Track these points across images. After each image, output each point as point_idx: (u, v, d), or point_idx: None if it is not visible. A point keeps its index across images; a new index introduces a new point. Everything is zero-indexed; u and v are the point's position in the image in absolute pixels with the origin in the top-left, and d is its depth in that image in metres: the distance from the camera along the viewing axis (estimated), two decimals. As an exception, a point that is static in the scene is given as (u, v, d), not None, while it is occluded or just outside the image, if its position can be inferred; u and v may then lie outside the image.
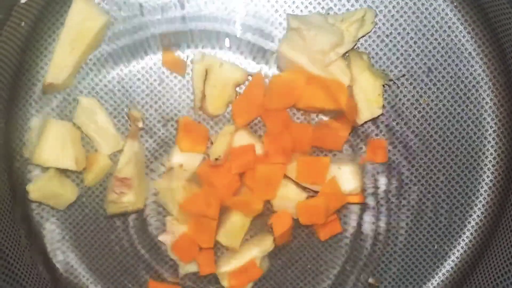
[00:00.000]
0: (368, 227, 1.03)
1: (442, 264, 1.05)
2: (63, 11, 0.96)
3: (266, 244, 1.01)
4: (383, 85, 0.96)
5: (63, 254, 1.04)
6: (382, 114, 0.98)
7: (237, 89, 0.98)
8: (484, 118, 1.00)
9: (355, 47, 0.97)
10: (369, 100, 0.95)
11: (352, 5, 0.96)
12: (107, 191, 1.00)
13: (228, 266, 1.01)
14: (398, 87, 0.99)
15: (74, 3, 0.93)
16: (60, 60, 0.95)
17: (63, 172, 0.99)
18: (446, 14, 0.97)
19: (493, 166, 1.02)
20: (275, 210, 1.01)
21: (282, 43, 0.95)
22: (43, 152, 0.94)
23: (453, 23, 0.97)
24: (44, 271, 1.03)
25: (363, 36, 0.97)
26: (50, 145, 0.94)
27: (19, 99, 0.98)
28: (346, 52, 0.95)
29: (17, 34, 0.96)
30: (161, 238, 1.02)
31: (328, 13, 0.95)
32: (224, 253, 1.04)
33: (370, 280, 1.06)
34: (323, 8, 0.96)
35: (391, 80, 0.98)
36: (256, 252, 1.00)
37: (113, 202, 0.96)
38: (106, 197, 0.99)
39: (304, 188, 1.00)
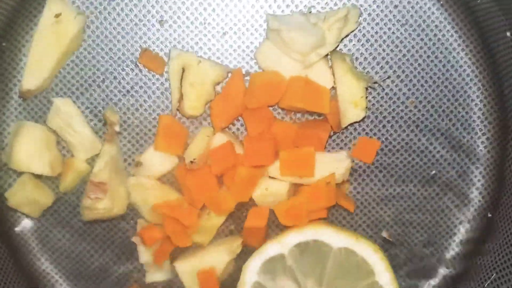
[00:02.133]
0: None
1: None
2: (37, 11, 0.93)
3: (233, 246, 0.97)
4: (367, 88, 0.93)
5: (38, 261, 1.01)
6: (366, 117, 0.95)
7: (217, 88, 0.95)
8: (474, 120, 0.97)
9: (338, 48, 0.94)
10: (352, 103, 0.91)
11: (335, 4, 0.93)
12: (83, 196, 0.97)
13: (189, 263, 0.98)
14: (383, 89, 0.96)
15: (47, 3, 0.90)
16: (35, 66, 0.92)
17: (38, 177, 0.96)
18: (433, 13, 0.93)
19: (484, 169, 0.98)
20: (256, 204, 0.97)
21: (262, 44, 0.92)
22: (17, 156, 0.91)
23: (440, 22, 0.94)
24: (21, 279, 1.00)
25: (347, 36, 0.94)
26: (24, 149, 0.91)
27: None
28: (329, 54, 0.92)
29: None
30: (134, 239, 0.99)
31: (310, 11, 0.92)
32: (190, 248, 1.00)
33: (384, 234, 1.02)
34: (305, 6, 0.93)
35: (375, 82, 0.95)
36: (222, 252, 0.97)
37: (88, 208, 0.93)
38: (81, 203, 0.96)
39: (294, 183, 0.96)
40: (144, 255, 0.99)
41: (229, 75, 0.95)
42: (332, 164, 0.93)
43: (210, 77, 0.93)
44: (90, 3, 0.93)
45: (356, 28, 0.93)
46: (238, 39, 0.94)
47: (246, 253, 0.99)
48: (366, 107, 0.93)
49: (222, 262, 0.97)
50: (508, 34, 0.90)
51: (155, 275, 1.01)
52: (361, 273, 0.91)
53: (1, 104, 0.96)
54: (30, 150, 0.92)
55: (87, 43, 0.94)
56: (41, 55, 0.91)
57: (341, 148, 0.98)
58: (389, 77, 0.95)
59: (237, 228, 1.00)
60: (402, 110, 0.97)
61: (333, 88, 0.93)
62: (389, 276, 0.91)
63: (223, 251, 0.97)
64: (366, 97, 0.93)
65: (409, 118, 0.97)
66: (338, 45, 0.92)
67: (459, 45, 0.95)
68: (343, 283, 0.91)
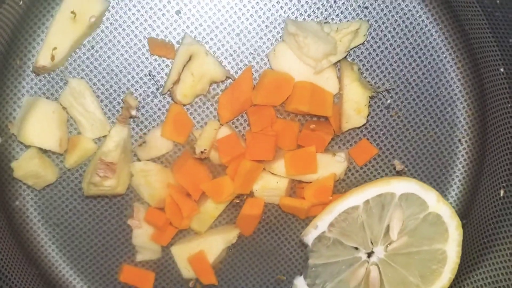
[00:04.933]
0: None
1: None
2: (60, -10, 0.95)
3: (230, 236, 1.03)
4: (370, 97, 1.00)
5: (34, 234, 1.03)
6: (364, 124, 1.03)
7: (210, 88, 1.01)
8: (456, 135, 1.06)
9: (346, 56, 1.00)
10: (355, 110, 0.99)
11: (345, 17, 0.99)
12: (87, 172, 1.00)
13: (185, 248, 1.03)
14: (380, 99, 1.03)
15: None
16: (53, 43, 0.94)
17: (44, 152, 0.98)
18: (431, 35, 1.02)
19: (459, 180, 1.08)
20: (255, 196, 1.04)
21: (277, 46, 0.97)
22: (28, 130, 0.93)
23: (437, 44, 1.02)
24: (17, 251, 1.02)
25: (354, 48, 1.00)
26: (36, 125, 0.93)
27: (8, 77, 0.97)
28: (338, 61, 0.98)
29: (12, 11, 0.94)
30: (129, 222, 1.03)
31: (326, 22, 0.98)
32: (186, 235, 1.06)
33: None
34: (321, 13, 0.99)
35: (378, 92, 1.02)
36: (219, 240, 1.03)
37: (94, 185, 0.96)
38: (86, 178, 0.99)
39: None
40: (138, 237, 1.04)
41: (227, 80, 1.00)
42: (331, 164, 1.00)
43: (210, 74, 0.97)
44: (113, -12, 0.96)
45: (364, 41, 1.00)
46: (251, 38, 0.99)
47: (239, 243, 1.06)
48: (368, 115, 1.00)
49: (217, 250, 1.02)
50: (501, 69, 0.99)
51: (145, 255, 1.05)
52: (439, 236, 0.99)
53: (14, 78, 0.97)
54: (42, 126, 0.94)
55: (105, 25, 0.97)
56: (61, 33, 0.93)
57: (339, 147, 1.05)
58: (393, 89, 1.02)
59: (233, 220, 1.06)
60: (394, 120, 1.05)
61: (337, 94, 1.00)
62: (457, 249, 0.99)
63: (219, 239, 1.02)
64: (368, 106, 1.00)
65: (399, 128, 1.05)
66: (347, 54, 0.99)
67: (451, 66, 1.03)
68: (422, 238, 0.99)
